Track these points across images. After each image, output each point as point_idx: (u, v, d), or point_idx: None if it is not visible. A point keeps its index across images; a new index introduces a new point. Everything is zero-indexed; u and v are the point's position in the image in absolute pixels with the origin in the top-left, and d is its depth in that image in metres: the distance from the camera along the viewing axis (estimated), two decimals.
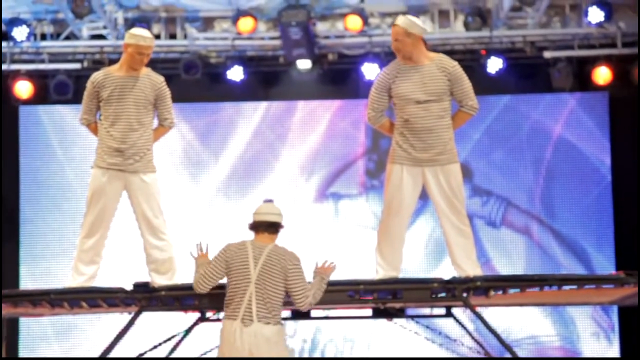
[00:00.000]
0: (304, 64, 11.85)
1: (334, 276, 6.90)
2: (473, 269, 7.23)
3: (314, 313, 7.60)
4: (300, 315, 7.75)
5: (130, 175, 7.47)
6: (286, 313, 7.61)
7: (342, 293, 7.16)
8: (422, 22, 7.39)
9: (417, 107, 7.23)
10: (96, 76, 7.53)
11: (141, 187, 7.48)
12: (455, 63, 7.30)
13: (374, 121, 7.42)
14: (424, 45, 7.31)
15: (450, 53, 11.50)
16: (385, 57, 11.66)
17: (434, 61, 7.28)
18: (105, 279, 7.70)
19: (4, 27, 11.62)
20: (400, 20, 7.26)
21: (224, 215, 11.47)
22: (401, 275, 7.36)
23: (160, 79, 7.53)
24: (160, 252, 7.49)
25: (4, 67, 11.78)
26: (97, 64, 11.90)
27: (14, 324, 11.42)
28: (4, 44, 11.71)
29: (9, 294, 7.72)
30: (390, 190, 7.31)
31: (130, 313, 7.47)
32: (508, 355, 7.19)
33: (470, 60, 11.69)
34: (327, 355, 11.31)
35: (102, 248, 7.58)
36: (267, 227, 6.79)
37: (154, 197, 7.52)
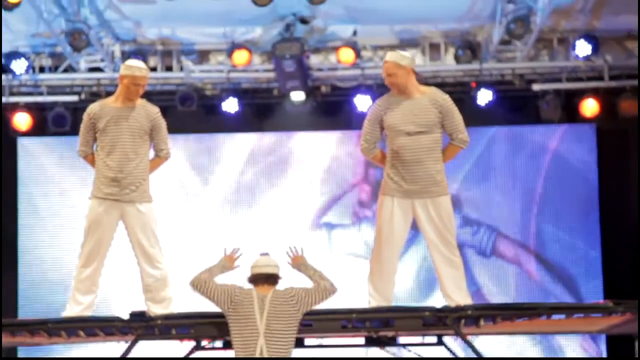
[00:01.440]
0: (298, 96, 11.89)
1: (328, 305, 6.93)
2: (463, 299, 7.23)
3: (307, 341, 7.58)
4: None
5: (127, 205, 7.47)
6: None
7: (335, 322, 7.16)
8: (410, 55, 7.43)
9: (407, 138, 7.23)
10: (92, 108, 7.55)
11: (137, 217, 7.48)
12: (447, 96, 7.32)
13: (366, 152, 7.44)
14: (416, 78, 7.34)
15: (441, 85, 11.59)
16: (377, 89, 11.70)
17: (426, 94, 7.31)
18: (102, 308, 7.72)
19: (3, 60, 11.66)
20: (390, 55, 7.29)
21: (218, 244, 11.44)
22: (393, 304, 7.38)
23: (155, 110, 7.55)
24: (156, 281, 7.50)
25: (3, 99, 11.80)
26: (95, 96, 11.89)
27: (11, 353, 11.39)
28: (3, 76, 11.74)
29: (8, 323, 7.69)
30: (380, 222, 7.32)
31: (126, 342, 7.47)
32: None
33: (460, 92, 11.74)
34: None
35: (98, 277, 7.58)
36: (266, 279, 6.84)
37: (149, 226, 7.52)
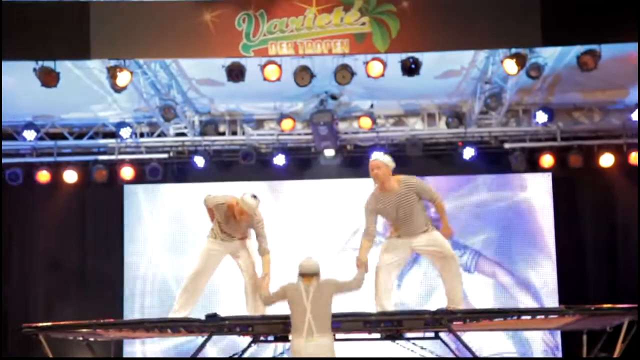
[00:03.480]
0: (330, 153, 11.89)
1: (353, 309, 6.93)
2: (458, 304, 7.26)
3: (337, 336, 7.52)
4: None
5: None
6: None
7: (358, 322, 7.15)
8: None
9: (399, 220, 7.37)
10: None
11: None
12: (415, 179, 7.41)
13: (368, 242, 7.51)
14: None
15: (436, 145, 11.65)
16: (388, 147, 11.69)
17: (401, 183, 7.35)
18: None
19: (113, 129, 11.71)
20: (379, 156, 7.46)
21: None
22: (402, 308, 7.35)
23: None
24: None
25: (114, 157, 11.83)
26: (180, 154, 12.01)
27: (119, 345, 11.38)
28: (113, 140, 11.78)
29: (116, 322, 7.73)
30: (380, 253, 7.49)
31: (203, 337, 7.44)
32: None
33: (450, 150, 11.73)
34: None
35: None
36: (311, 275, 7.11)
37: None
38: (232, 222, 7.60)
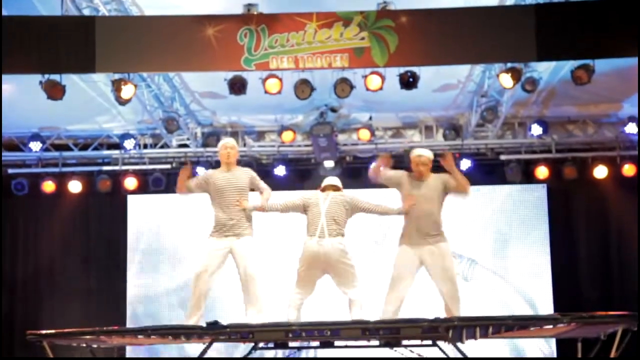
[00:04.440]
0: (329, 164, 11.93)
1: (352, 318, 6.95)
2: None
3: (337, 343, 7.53)
4: (326, 344, 7.70)
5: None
6: (315, 342, 7.58)
7: (357, 330, 7.13)
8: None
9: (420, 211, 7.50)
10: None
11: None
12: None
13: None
14: None
15: (434, 156, 11.62)
16: None
17: (436, 179, 7.66)
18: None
19: (117, 140, 11.76)
20: (427, 152, 7.66)
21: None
22: (400, 317, 7.36)
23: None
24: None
25: (117, 167, 11.87)
26: (182, 165, 12.01)
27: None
28: (117, 151, 11.82)
29: (119, 329, 7.74)
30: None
31: (204, 344, 7.46)
32: None
33: None
34: None
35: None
36: (330, 187, 7.69)
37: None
38: (225, 193, 7.62)
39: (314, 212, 7.47)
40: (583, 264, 11.63)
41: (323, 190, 7.68)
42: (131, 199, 11.99)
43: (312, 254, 7.36)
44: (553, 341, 11.29)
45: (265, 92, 9.48)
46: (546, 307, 11.43)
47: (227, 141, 7.87)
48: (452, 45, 8.18)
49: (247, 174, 7.80)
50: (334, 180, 7.78)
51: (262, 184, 7.83)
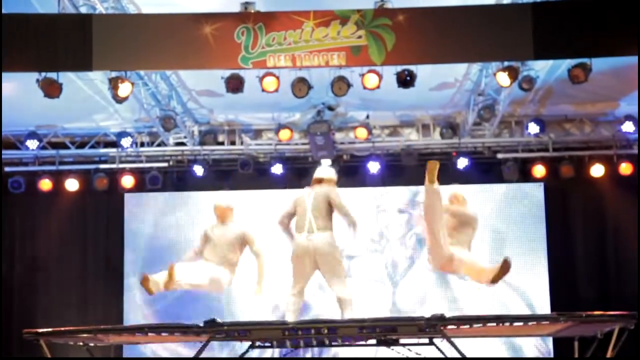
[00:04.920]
0: (326, 162, 11.85)
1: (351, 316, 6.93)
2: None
3: (334, 342, 7.51)
4: (321, 343, 7.68)
5: None
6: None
7: (354, 328, 7.12)
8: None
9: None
10: None
11: None
12: None
13: None
14: None
15: (430, 155, 11.65)
16: (384, 157, 11.72)
17: None
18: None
19: (114, 138, 11.74)
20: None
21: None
22: (397, 315, 7.34)
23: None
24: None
25: (115, 166, 11.86)
26: (179, 163, 12.03)
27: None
28: (114, 149, 11.80)
29: (116, 328, 7.73)
30: None
31: (201, 342, 7.44)
32: None
33: (444, 160, 11.67)
34: None
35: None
36: (316, 181, 7.72)
37: None
38: (217, 238, 7.66)
39: (302, 209, 7.54)
40: (580, 263, 11.62)
41: (313, 184, 7.73)
42: (128, 197, 11.95)
43: (302, 249, 7.42)
44: (550, 340, 11.27)
45: (263, 90, 9.46)
46: (543, 305, 11.41)
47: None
48: (449, 44, 8.16)
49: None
50: (320, 172, 7.80)
51: (255, 246, 7.84)
